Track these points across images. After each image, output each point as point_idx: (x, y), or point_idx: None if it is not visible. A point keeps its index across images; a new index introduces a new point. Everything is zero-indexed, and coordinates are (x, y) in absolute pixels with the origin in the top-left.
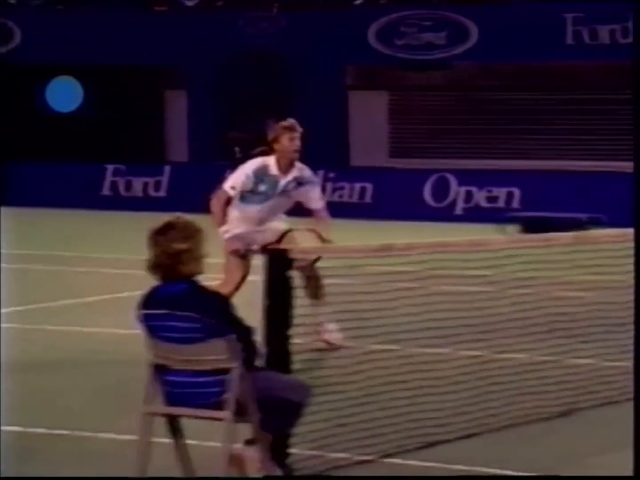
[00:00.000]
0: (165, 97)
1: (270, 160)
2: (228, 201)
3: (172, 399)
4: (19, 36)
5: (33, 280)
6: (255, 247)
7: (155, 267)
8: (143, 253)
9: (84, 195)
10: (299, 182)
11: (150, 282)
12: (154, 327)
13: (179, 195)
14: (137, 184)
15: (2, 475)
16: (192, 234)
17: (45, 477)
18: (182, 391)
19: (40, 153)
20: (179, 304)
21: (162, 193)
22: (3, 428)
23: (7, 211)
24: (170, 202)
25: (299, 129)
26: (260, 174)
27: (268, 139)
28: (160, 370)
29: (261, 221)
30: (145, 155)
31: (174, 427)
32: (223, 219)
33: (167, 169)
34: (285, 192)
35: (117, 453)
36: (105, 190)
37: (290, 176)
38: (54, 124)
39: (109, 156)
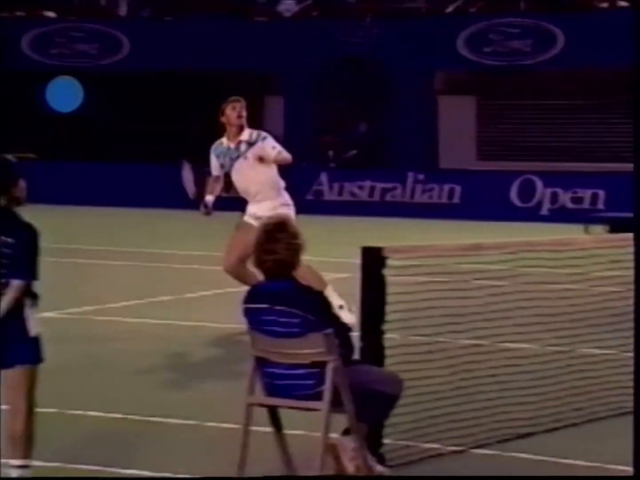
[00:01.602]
0: (264, 102)
1: (224, 136)
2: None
3: (272, 390)
4: (128, 46)
5: (141, 276)
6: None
7: (277, 262)
8: None
9: (179, 196)
10: (249, 143)
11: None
12: (257, 321)
13: None
14: None
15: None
16: (298, 232)
17: (44, 477)
18: (282, 383)
19: (143, 155)
20: (281, 299)
21: None
22: (109, 415)
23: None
24: None
25: (241, 101)
26: (217, 149)
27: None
28: (261, 363)
29: (245, 192)
30: None
31: (274, 417)
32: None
33: None
34: (239, 156)
35: (220, 441)
36: None
37: (237, 141)
38: (156, 126)
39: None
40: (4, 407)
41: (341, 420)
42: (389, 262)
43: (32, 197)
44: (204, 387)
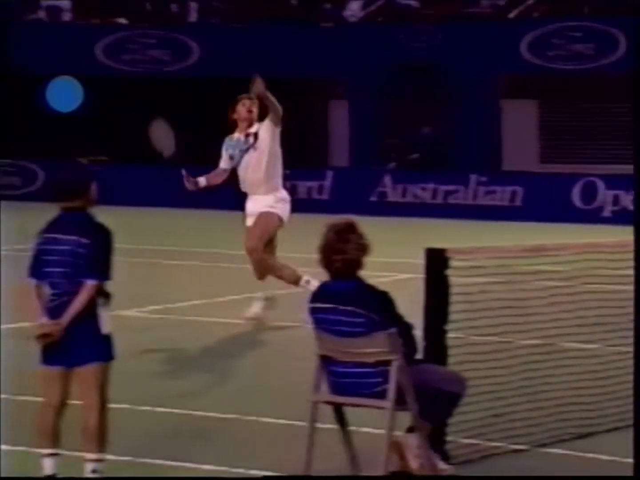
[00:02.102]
0: (329, 107)
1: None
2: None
3: (337, 388)
4: (198, 52)
5: (209, 276)
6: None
7: (347, 262)
8: (307, 252)
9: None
10: (257, 135)
11: (319, 278)
12: (322, 321)
13: (341, 198)
14: (302, 187)
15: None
16: (363, 234)
17: (44, 477)
18: (347, 381)
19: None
20: (346, 299)
21: (325, 196)
22: (185, 411)
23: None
24: (333, 205)
25: (253, 98)
26: (228, 142)
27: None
28: (326, 361)
29: (249, 185)
30: (309, 160)
31: (339, 415)
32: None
33: (329, 173)
34: (249, 148)
35: (286, 438)
36: None
37: (246, 133)
38: (226, 132)
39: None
40: (78, 403)
41: (405, 419)
42: (452, 263)
43: (106, 199)
44: (270, 384)
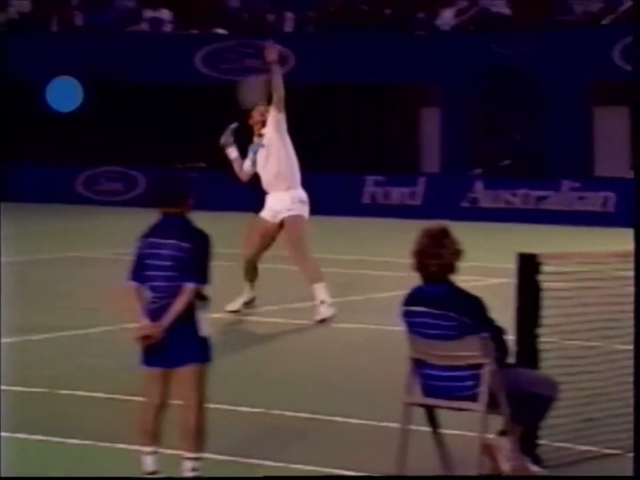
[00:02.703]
0: (421, 114)
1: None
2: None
3: (429, 391)
4: (294, 60)
5: (300, 279)
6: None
7: (442, 267)
8: (400, 256)
9: (344, 203)
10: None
11: (408, 283)
12: (414, 324)
13: (433, 203)
14: (395, 193)
15: (3, 475)
16: (457, 239)
17: (43, 477)
18: (439, 384)
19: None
20: (438, 303)
21: (417, 202)
22: (272, 412)
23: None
24: (425, 210)
25: (265, 105)
26: (249, 149)
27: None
28: (418, 364)
29: (267, 181)
30: (401, 167)
31: (431, 417)
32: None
33: (421, 179)
34: (260, 146)
35: (380, 439)
36: (365, 199)
37: (259, 134)
38: (320, 138)
39: (368, 168)
40: (177, 402)
41: (497, 421)
42: (544, 268)
43: (205, 205)
44: (364, 387)
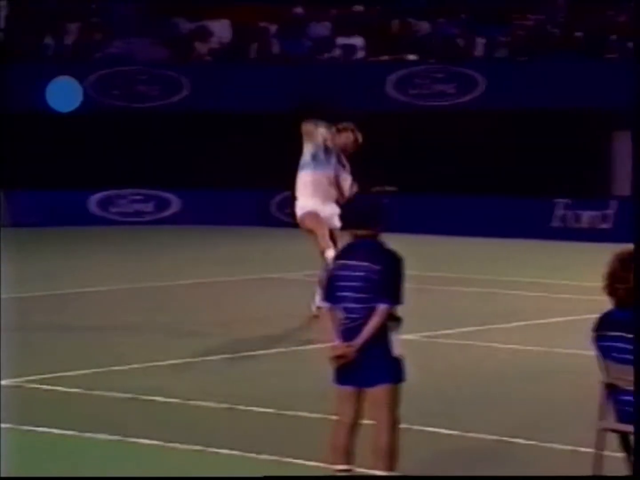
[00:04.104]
0: (612, 137)
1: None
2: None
3: (623, 417)
4: (484, 85)
5: (491, 302)
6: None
7: (629, 291)
8: (589, 279)
9: (534, 227)
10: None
11: (598, 306)
12: (607, 348)
13: (624, 227)
14: (585, 217)
15: (3, 475)
16: None
17: (43, 477)
18: (633, 410)
19: (496, 188)
20: (631, 327)
21: (608, 225)
22: (461, 433)
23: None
24: (616, 234)
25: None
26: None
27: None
28: (612, 389)
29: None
30: (592, 190)
31: (626, 443)
32: None
33: (613, 203)
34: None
35: (571, 464)
36: (555, 222)
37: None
38: (509, 162)
39: (557, 192)
40: (369, 422)
41: None
42: None
43: (397, 227)
44: (552, 408)
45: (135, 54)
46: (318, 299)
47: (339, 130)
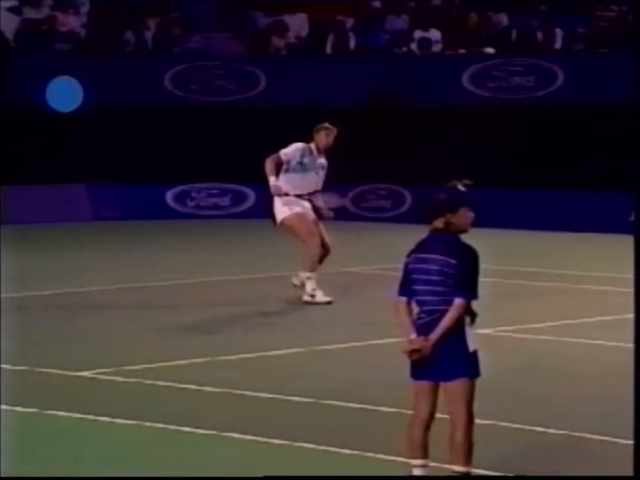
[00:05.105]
0: None
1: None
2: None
3: None
4: (562, 78)
5: (574, 298)
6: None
7: None
8: None
9: (616, 221)
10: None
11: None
12: None
13: None
14: None
15: (3, 475)
16: None
17: (44, 477)
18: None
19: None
20: None
21: None
22: (535, 428)
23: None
24: None
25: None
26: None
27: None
28: None
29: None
30: None
31: None
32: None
33: None
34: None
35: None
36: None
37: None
38: (584, 155)
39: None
40: (446, 417)
41: None
42: None
43: (476, 222)
44: (624, 407)
45: (213, 48)
46: (309, 286)
47: (317, 131)
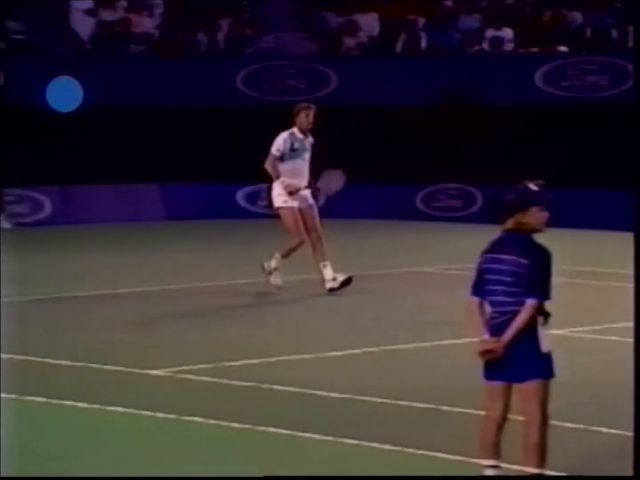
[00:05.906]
0: None
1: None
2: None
3: None
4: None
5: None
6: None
7: None
8: None
9: None
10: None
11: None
12: None
13: None
14: None
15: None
16: None
17: (45, 477)
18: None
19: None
20: None
21: None
22: (596, 429)
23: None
24: None
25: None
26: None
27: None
28: None
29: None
30: None
31: None
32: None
33: None
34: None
35: None
36: None
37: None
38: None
39: None
40: (521, 418)
41: None
42: None
43: (552, 222)
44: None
45: (285, 48)
46: (274, 263)
47: (297, 113)
